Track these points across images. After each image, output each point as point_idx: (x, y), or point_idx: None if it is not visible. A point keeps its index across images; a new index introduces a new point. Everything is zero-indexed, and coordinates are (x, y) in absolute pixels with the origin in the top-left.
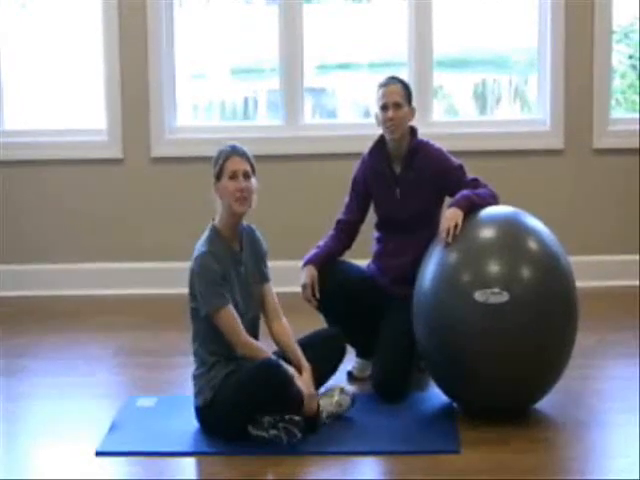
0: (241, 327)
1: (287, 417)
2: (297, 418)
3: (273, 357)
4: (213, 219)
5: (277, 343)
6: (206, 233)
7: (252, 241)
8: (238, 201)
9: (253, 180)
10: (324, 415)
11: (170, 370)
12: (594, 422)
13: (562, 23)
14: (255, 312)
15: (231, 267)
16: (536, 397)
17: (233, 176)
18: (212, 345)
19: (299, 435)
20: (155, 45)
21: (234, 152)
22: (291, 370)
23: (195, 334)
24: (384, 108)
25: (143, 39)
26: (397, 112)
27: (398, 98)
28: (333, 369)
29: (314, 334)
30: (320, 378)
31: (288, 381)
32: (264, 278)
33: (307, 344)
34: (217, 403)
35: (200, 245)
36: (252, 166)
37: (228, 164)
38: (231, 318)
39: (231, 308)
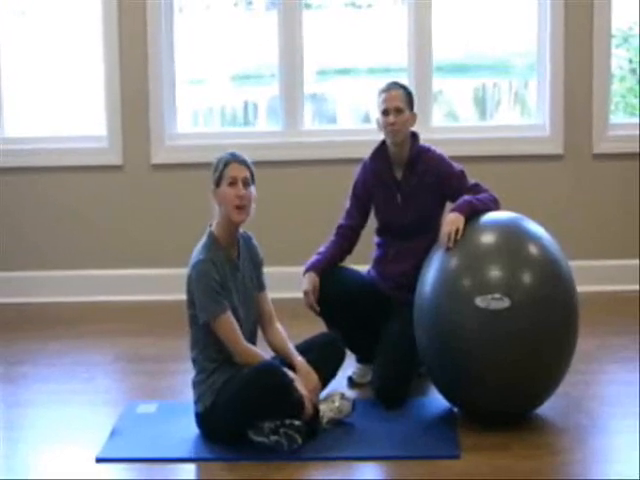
0: (240, 334)
1: (287, 422)
2: (297, 423)
3: (273, 361)
4: (210, 225)
5: (272, 347)
6: (203, 240)
7: (249, 248)
8: (237, 209)
9: (252, 188)
10: (324, 421)
11: (170, 376)
12: (595, 427)
13: (561, 27)
14: (254, 318)
15: (229, 273)
16: (537, 402)
17: (232, 183)
18: (212, 351)
19: (300, 440)
20: (155, 51)
21: (234, 159)
22: (291, 374)
23: (194, 341)
24: (385, 113)
25: (143, 45)
26: (398, 117)
27: (399, 103)
28: (332, 373)
29: (312, 339)
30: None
31: (288, 384)
32: (260, 286)
33: (306, 349)
34: (217, 408)
35: (198, 252)
36: (252, 174)
37: (228, 171)
38: (230, 325)
39: (230, 315)
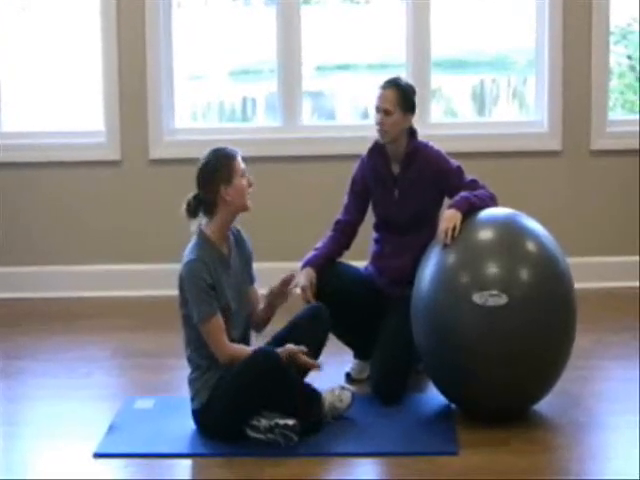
0: (225, 338)
1: (282, 423)
2: (292, 422)
3: (267, 347)
4: (200, 225)
5: (257, 319)
6: (194, 240)
7: (238, 243)
8: (248, 196)
9: None
10: (326, 403)
11: (168, 371)
12: (593, 423)
13: (560, 24)
14: (247, 312)
15: (221, 270)
16: (535, 399)
17: (244, 174)
18: (206, 349)
19: (296, 438)
20: (153, 46)
21: (234, 152)
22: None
23: (188, 340)
24: (377, 110)
25: (141, 40)
26: (385, 119)
27: (388, 105)
28: (320, 346)
29: (297, 317)
30: (312, 357)
31: (283, 364)
32: (251, 280)
33: (293, 327)
34: (215, 401)
35: (189, 252)
36: None
37: (235, 164)
38: (217, 328)
39: (219, 318)
